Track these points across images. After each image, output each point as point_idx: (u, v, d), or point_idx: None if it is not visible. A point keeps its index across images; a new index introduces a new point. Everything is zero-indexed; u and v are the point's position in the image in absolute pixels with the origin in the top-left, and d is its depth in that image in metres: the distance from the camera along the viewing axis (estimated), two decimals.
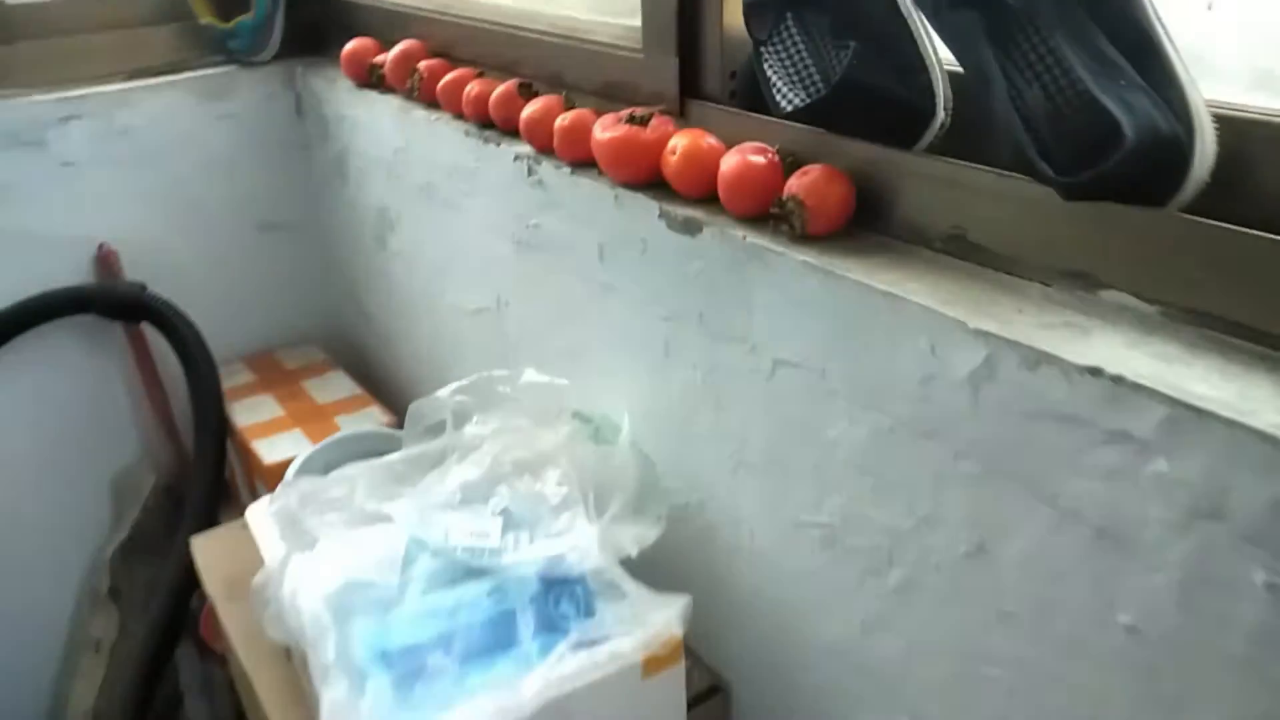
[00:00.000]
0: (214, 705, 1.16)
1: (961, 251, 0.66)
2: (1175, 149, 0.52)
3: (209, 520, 1.33)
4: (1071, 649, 0.58)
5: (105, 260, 1.42)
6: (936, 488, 0.64)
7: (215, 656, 1.27)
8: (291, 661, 0.91)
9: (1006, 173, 0.61)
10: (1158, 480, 0.51)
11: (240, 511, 1.23)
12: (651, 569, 0.84)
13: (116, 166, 1.38)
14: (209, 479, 1.36)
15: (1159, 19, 0.55)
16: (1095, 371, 0.52)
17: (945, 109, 0.66)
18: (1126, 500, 0.53)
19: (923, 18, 0.65)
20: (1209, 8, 0.61)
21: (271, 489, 1.22)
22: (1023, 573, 0.60)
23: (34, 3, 1.37)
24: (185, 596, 1.32)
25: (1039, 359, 0.54)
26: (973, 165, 0.64)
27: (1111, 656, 0.56)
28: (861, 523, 0.71)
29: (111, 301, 1.37)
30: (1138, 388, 0.50)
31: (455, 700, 0.72)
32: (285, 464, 1.21)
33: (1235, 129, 0.54)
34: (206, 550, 1.12)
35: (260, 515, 0.94)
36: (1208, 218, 0.53)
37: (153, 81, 1.40)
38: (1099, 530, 0.54)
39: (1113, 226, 0.57)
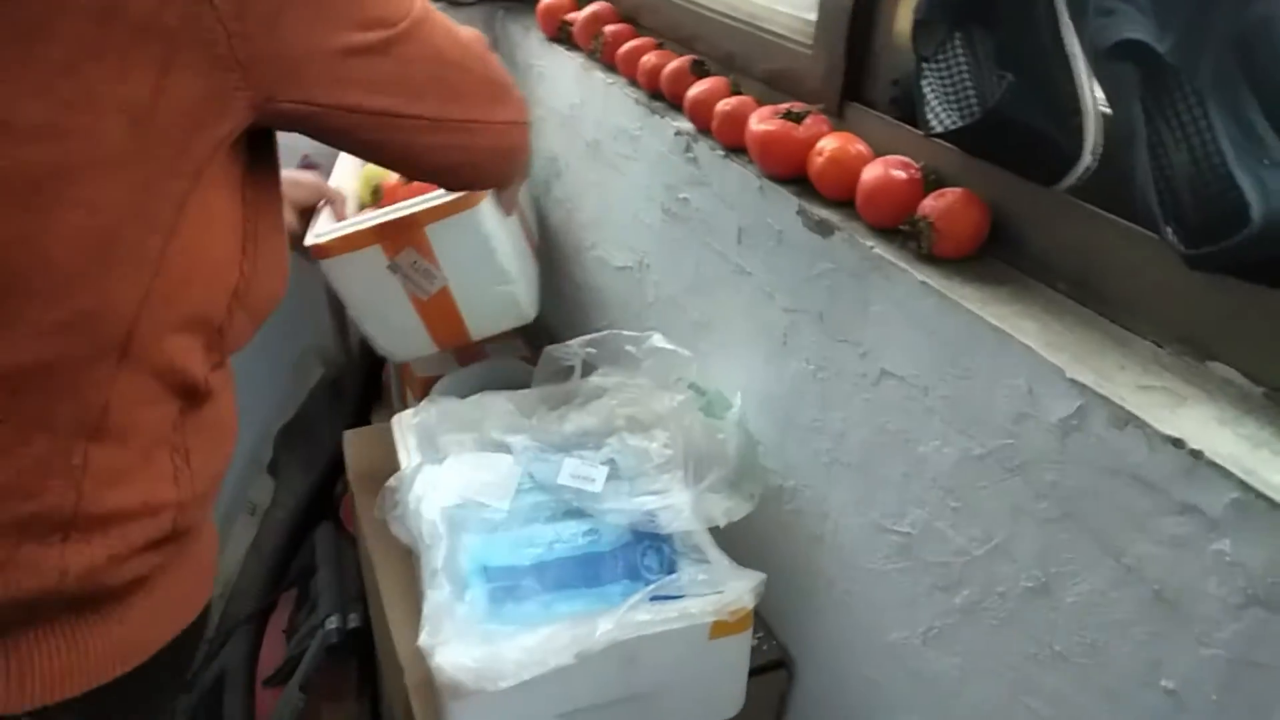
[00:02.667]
0: (343, 581, 1.31)
1: (1082, 297, 0.66)
2: None
3: (360, 417, 1.47)
4: (1112, 699, 0.60)
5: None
6: (1013, 521, 0.66)
7: (349, 537, 1.42)
8: (411, 558, 1.02)
9: (1139, 228, 0.62)
10: (1219, 559, 0.51)
11: (390, 412, 1.36)
12: (738, 541, 0.90)
13: None
14: (364, 381, 1.50)
15: None
16: (1177, 442, 0.53)
17: (1093, 154, 0.66)
18: (1187, 571, 0.53)
19: (1085, 60, 0.65)
20: None
21: (419, 397, 1.35)
22: (1079, 618, 0.61)
23: None
24: (331, 481, 1.48)
25: (1127, 419, 0.55)
26: (1108, 215, 0.64)
27: (1150, 715, 0.57)
28: (938, 539, 0.73)
29: None
30: (1214, 466, 0.51)
31: (538, 622, 0.80)
32: (433, 379, 1.33)
33: None
34: (355, 443, 1.25)
35: (403, 424, 1.05)
36: None
37: None
38: (1157, 594, 0.56)
39: (1232, 299, 0.57)
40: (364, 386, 1.51)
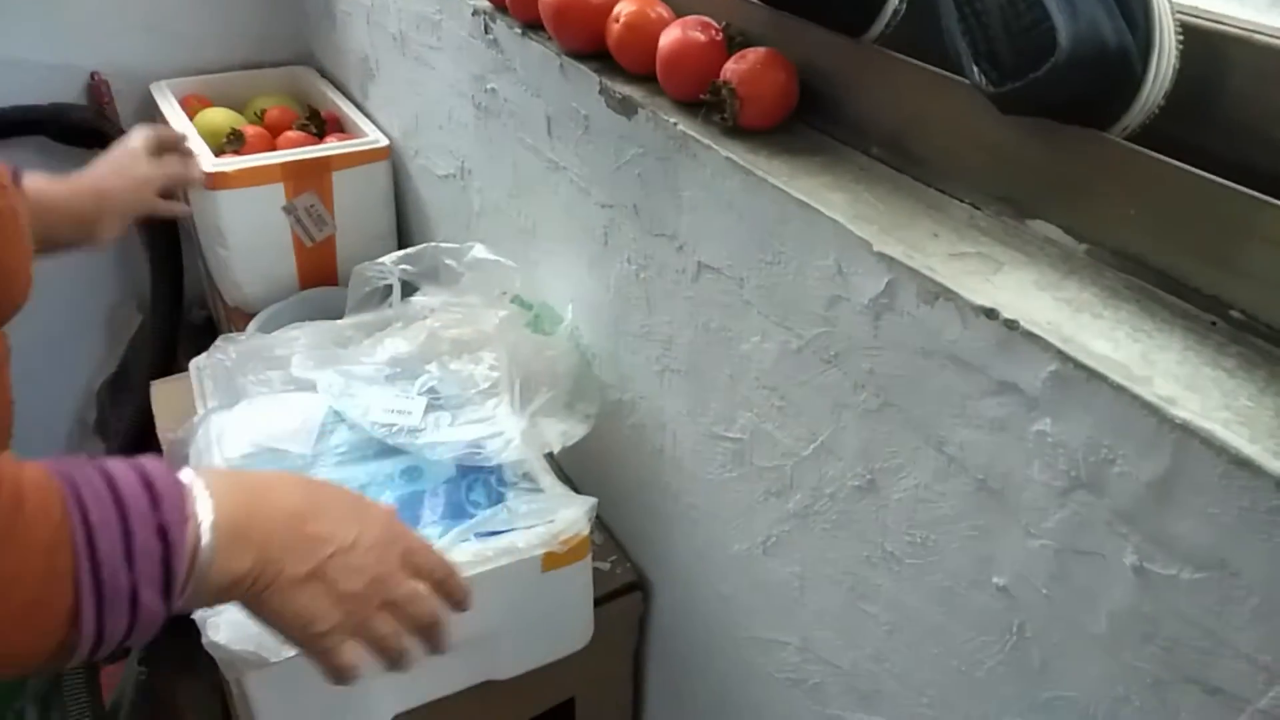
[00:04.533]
0: None
1: (898, 161, 0.59)
2: (1123, 65, 0.44)
3: (165, 362, 1.35)
4: (945, 600, 0.55)
5: (96, 89, 1.38)
6: (835, 416, 0.59)
7: None
8: None
9: (953, 77, 0.54)
10: (1040, 441, 0.46)
11: None
12: (584, 460, 0.82)
13: None
14: (165, 323, 1.36)
15: None
16: (990, 313, 0.46)
17: None
18: (1009, 457, 0.48)
19: None
20: None
21: (240, 329, 1.23)
22: (907, 515, 0.56)
23: None
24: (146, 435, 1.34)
25: (937, 292, 0.49)
26: (920, 65, 0.56)
27: (984, 615, 0.52)
28: (767, 442, 0.67)
29: (64, 124, 1.31)
30: (1030, 336, 0.45)
31: None
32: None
33: (1208, 44, 0.46)
34: (163, 394, 1.12)
35: (199, 368, 0.93)
36: (1156, 148, 0.46)
37: None
38: (980, 484, 0.50)
39: (1049, 148, 0.50)
40: (163, 330, 1.38)
